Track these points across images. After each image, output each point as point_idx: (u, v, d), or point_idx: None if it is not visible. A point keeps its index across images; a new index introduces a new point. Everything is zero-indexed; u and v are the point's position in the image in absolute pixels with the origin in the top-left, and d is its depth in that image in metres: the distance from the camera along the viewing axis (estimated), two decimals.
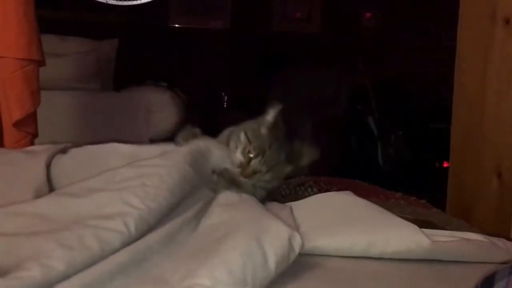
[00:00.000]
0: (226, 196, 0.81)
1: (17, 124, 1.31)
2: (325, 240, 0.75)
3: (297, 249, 0.68)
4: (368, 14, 4.00)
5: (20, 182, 0.84)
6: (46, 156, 0.89)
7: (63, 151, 0.93)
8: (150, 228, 0.68)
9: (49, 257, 0.58)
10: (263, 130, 0.87)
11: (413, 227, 0.76)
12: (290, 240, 0.68)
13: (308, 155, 0.88)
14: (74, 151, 0.92)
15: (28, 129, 1.33)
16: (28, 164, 0.89)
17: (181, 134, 0.89)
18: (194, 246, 0.69)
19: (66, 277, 0.57)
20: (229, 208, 0.77)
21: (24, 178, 0.85)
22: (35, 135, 1.36)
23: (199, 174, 0.80)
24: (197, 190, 0.78)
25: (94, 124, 2.18)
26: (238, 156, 0.85)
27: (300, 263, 0.70)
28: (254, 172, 0.84)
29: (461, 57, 1.34)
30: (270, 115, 0.87)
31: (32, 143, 1.34)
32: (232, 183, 0.83)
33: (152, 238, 0.67)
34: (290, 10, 4.01)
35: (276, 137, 0.87)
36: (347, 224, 0.79)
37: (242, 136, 0.85)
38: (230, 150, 0.86)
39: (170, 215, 0.72)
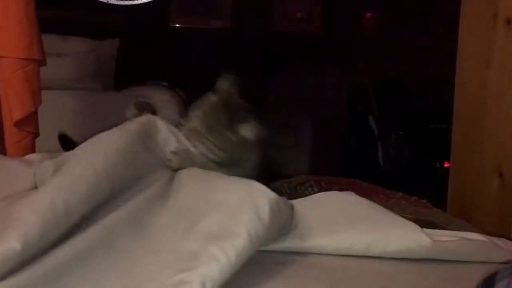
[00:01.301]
0: (186, 172, 0.79)
1: (18, 124, 1.31)
2: (325, 239, 0.75)
3: (265, 205, 0.65)
4: (368, 14, 4.00)
5: (14, 189, 0.84)
6: (37, 164, 0.89)
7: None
8: (103, 189, 0.68)
9: (24, 225, 0.59)
10: (212, 98, 0.85)
11: (414, 227, 0.76)
12: (253, 200, 0.66)
13: (250, 126, 0.82)
14: (53, 160, 0.91)
15: (29, 129, 1.33)
16: (22, 172, 0.90)
17: (133, 107, 0.88)
18: (161, 235, 0.67)
19: (40, 243, 0.58)
20: (193, 188, 0.75)
21: (17, 185, 0.85)
22: (36, 134, 1.36)
23: (150, 152, 0.78)
24: (152, 168, 0.76)
25: (95, 124, 2.17)
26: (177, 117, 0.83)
27: (300, 261, 0.70)
28: (194, 132, 0.81)
29: (462, 57, 1.34)
30: (223, 85, 0.85)
31: (33, 143, 1.34)
32: (187, 161, 0.81)
33: (115, 218, 0.66)
34: (290, 10, 4.01)
35: (227, 109, 0.84)
36: (348, 223, 0.79)
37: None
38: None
39: (129, 192, 0.71)
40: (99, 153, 0.75)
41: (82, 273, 0.59)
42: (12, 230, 0.58)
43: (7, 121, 1.31)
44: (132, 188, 0.72)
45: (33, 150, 1.32)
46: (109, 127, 0.84)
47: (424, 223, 0.79)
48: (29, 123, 1.33)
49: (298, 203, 0.84)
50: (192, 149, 0.83)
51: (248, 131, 0.82)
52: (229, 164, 0.84)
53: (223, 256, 0.58)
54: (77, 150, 0.80)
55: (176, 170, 0.81)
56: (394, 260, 0.74)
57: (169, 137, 0.83)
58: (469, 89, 1.33)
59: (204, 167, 0.82)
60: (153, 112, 0.87)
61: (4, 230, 0.58)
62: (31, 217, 0.61)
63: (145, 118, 0.85)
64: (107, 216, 0.66)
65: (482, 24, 1.27)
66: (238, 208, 0.66)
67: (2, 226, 0.60)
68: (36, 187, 0.84)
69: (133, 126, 0.82)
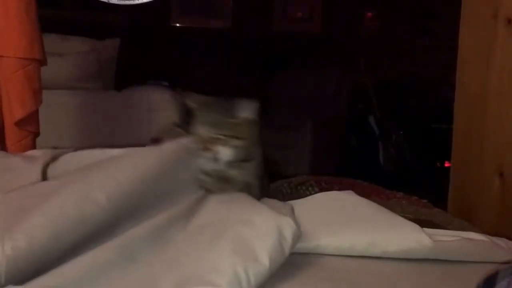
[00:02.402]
0: (218, 196, 0.79)
1: (19, 123, 1.31)
2: (326, 239, 0.75)
3: (289, 237, 0.66)
4: (369, 14, 4.00)
5: (18, 185, 0.84)
6: (43, 161, 0.89)
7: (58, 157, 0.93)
8: (126, 202, 0.68)
9: (33, 226, 0.59)
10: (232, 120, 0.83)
11: (415, 227, 0.76)
12: (279, 229, 0.66)
13: (246, 106, 0.81)
14: (65, 157, 0.91)
15: (30, 128, 1.33)
16: (25, 169, 0.90)
17: (164, 132, 0.87)
18: (184, 247, 0.68)
19: (48, 247, 0.58)
20: (219, 207, 0.76)
21: (20, 183, 0.85)
22: (36, 134, 1.36)
23: (185, 172, 0.78)
24: (184, 188, 0.77)
25: (95, 123, 2.18)
26: (201, 132, 0.81)
27: (301, 262, 0.70)
28: (214, 142, 0.79)
29: (463, 57, 1.34)
30: (245, 111, 0.83)
31: (33, 142, 1.34)
32: (222, 180, 0.81)
33: (138, 232, 0.66)
34: (291, 10, 4.01)
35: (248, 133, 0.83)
36: (348, 223, 0.78)
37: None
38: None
39: (154, 210, 0.71)
40: (127, 166, 0.75)
41: (103, 285, 0.59)
42: (20, 229, 0.59)
43: (8, 120, 1.32)
44: (159, 205, 0.72)
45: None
46: (110, 127, 0.84)
47: (424, 223, 0.79)
48: (30, 123, 1.33)
49: (298, 203, 0.84)
50: (231, 172, 0.82)
51: (245, 110, 0.81)
52: (252, 154, 0.82)
53: (244, 277, 0.60)
54: (103, 159, 0.80)
55: (210, 191, 0.81)
56: (395, 260, 0.74)
57: (206, 159, 0.82)
58: (469, 88, 1.33)
59: (242, 186, 0.82)
60: (179, 133, 0.87)
61: (13, 228, 0.59)
62: (40, 218, 0.61)
63: (185, 139, 0.83)
64: (129, 230, 0.66)
65: (483, 24, 1.27)
66: (264, 231, 0.66)
67: (12, 222, 0.60)
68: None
69: (170, 146, 0.82)
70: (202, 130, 0.81)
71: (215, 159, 0.80)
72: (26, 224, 0.60)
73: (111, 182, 0.70)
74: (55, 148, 1.08)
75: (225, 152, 0.80)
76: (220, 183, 0.81)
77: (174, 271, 0.62)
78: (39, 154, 0.96)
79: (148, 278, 0.62)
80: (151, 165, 0.76)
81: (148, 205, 0.72)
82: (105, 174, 0.72)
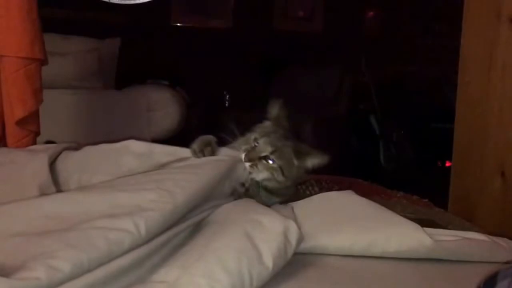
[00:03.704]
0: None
1: (20, 122, 1.31)
2: (327, 239, 0.75)
3: (293, 241, 0.67)
4: (370, 13, 4.00)
5: (24, 179, 0.84)
6: (49, 153, 0.89)
7: (70, 148, 0.93)
8: (161, 231, 0.67)
9: (54, 257, 0.57)
10: (266, 123, 0.90)
11: (415, 226, 0.76)
12: (285, 233, 0.67)
13: (317, 158, 0.88)
14: (87, 148, 0.92)
15: (31, 127, 1.33)
16: (30, 162, 0.89)
17: (197, 142, 0.89)
18: (188, 245, 0.69)
19: (71, 278, 0.56)
20: (225, 208, 0.77)
21: (27, 175, 0.85)
22: (37, 133, 1.36)
23: (224, 186, 0.81)
24: (213, 201, 0.78)
25: (96, 122, 2.18)
26: (243, 144, 0.87)
27: (301, 261, 0.70)
28: (260, 157, 0.85)
29: (465, 56, 1.34)
30: (273, 109, 0.90)
31: (34, 141, 1.34)
32: (254, 196, 0.85)
33: (153, 241, 0.66)
34: (292, 9, 4.00)
35: (280, 128, 0.89)
36: (349, 223, 0.78)
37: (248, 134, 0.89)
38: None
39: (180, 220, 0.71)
40: (191, 176, 0.76)
41: None
42: (40, 261, 0.56)
43: (9, 119, 1.32)
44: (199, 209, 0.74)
45: None
46: (111, 126, 0.85)
47: (425, 223, 0.79)
48: (31, 122, 1.33)
49: (299, 204, 0.84)
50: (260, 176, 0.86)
51: (312, 162, 0.88)
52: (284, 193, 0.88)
53: (248, 278, 0.60)
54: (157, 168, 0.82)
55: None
56: (395, 259, 0.74)
57: (244, 172, 0.86)
58: (472, 88, 1.33)
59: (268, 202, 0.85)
60: (214, 148, 0.89)
61: (32, 259, 0.56)
62: (69, 251, 0.58)
63: (234, 154, 0.87)
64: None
65: (485, 24, 1.27)
66: (271, 233, 0.67)
67: (31, 252, 0.58)
68: (51, 179, 0.83)
69: (223, 164, 0.84)
70: (261, 147, 0.86)
71: (250, 175, 0.85)
72: (47, 253, 0.57)
73: (170, 205, 0.69)
74: (50, 142, 1.08)
75: (262, 176, 0.85)
76: (246, 196, 0.84)
77: (175, 267, 0.63)
78: (41, 149, 0.96)
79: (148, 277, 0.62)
80: (210, 177, 0.78)
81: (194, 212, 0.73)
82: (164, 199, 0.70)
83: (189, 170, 0.79)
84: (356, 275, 0.71)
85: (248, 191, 0.85)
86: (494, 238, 0.79)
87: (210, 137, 0.90)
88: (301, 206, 0.83)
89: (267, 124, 0.90)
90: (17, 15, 1.27)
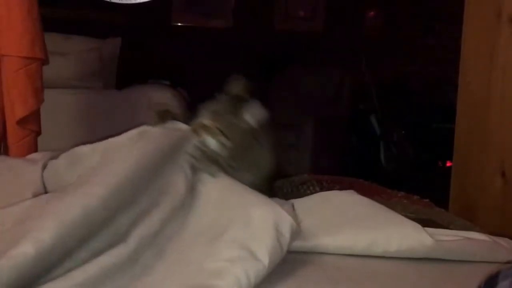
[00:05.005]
0: (213, 184, 0.78)
1: (21, 122, 1.31)
2: (327, 238, 0.75)
3: (287, 234, 0.66)
4: (371, 13, 4.00)
5: (19, 187, 0.85)
6: (43, 161, 0.90)
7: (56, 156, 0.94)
8: (123, 190, 0.67)
9: (39, 230, 0.58)
10: (222, 98, 0.87)
11: (416, 226, 0.76)
12: (276, 226, 0.66)
13: (253, 107, 0.84)
14: (63, 155, 0.92)
15: (32, 127, 1.33)
16: (26, 170, 0.90)
17: (158, 114, 0.88)
18: (185, 249, 0.68)
19: (55, 248, 0.57)
20: (216, 201, 0.75)
21: (22, 183, 0.85)
22: (38, 132, 1.36)
23: (179, 155, 0.78)
24: (174, 176, 0.76)
25: (96, 122, 2.18)
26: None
27: (301, 261, 0.70)
28: (201, 126, 0.82)
29: (466, 56, 1.34)
30: (234, 88, 0.87)
31: (35, 141, 1.34)
32: (213, 162, 0.81)
33: (141, 232, 0.66)
34: (293, 9, 4.00)
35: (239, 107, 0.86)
36: (349, 222, 0.78)
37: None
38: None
39: (147, 200, 0.70)
40: (123, 156, 0.76)
41: None
42: (26, 237, 0.58)
43: (10, 119, 1.32)
44: (154, 195, 0.72)
45: (35, 148, 1.32)
46: (111, 126, 0.85)
47: (426, 223, 0.79)
48: (32, 121, 1.33)
49: (299, 202, 0.84)
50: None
51: (252, 116, 0.83)
52: (241, 164, 0.83)
53: (245, 279, 0.60)
54: (99, 155, 0.82)
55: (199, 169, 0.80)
56: (396, 259, 0.74)
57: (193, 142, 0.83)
58: (472, 88, 1.33)
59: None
60: (175, 119, 0.88)
61: (19, 240, 0.58)
62: (47, 221, 0.60)
63: (182, 125, 0.85)
64: (133, 230, 0.66)
65: (486, 23, 1.27)
66: (261, 230, 0.66)
67: (18, 236, 0.59)
68: (44, 187, 0.84)
69: (165, 132, 0.83)
70: (204, 116, 0.83)
71: (204, 146, 0.81)
72: (33, 230, 0.59)
73: (109, 174, 0.70)
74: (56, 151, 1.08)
75: (211, 143, 0.82)
76: (209, 163, 0.81)
77: (174, 275, 0.62)
78: (40, 157, 0.96)
79: (150, 281, 0.62)
80: (147, 152, 0.76)
81: (144, 190, 0.71)
82: (103, 169, 0.73)
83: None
84: (357, 275, 0.71)
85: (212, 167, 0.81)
86: (495, 238, 0.79)
87: (174, 111, 0.88)
88: (301, 204, 0.83)
89: (221, 98, 0.87)
90: (18, 14, 1.27)
